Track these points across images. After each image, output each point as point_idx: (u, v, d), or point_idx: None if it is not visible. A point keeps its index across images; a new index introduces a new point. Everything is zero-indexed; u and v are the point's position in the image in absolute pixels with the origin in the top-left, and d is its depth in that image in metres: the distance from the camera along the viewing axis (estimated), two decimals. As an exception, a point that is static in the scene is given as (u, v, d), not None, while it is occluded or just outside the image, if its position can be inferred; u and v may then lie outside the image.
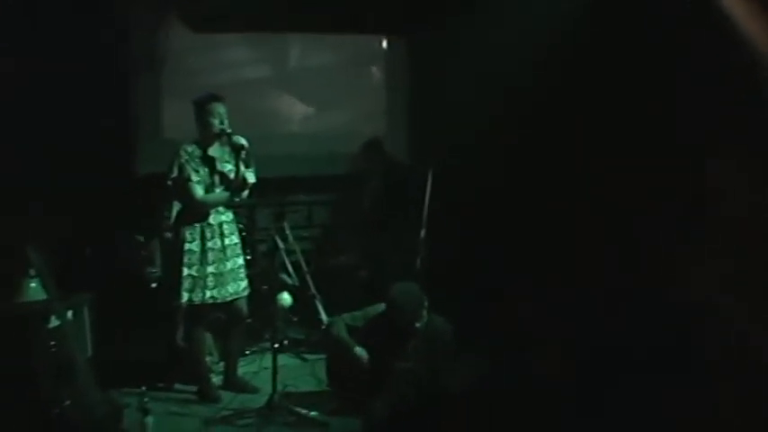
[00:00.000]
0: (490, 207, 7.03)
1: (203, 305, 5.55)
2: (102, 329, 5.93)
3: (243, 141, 5.46)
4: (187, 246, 5.48)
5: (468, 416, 4.86)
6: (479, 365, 5.40)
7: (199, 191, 5.46)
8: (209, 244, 5.52)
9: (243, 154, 5.50)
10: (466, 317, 5.74)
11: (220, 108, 5.50)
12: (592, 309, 5.51)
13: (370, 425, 5.10)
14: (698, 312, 4.72)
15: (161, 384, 5.86)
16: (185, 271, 5.47)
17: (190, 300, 5.50)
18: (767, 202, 4.48)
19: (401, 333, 5.43)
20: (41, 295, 5.21)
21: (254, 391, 5.79)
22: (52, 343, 5.10)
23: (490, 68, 6.99)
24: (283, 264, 6.20)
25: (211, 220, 5.54)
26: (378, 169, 7.54)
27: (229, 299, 5.61)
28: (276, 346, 5.60)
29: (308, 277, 6.65)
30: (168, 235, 5.87)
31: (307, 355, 6.63)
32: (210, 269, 5.52)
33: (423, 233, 6.51)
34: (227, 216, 5.65)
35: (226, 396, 5.73)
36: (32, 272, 5.27)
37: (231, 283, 5.61)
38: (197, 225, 5.51)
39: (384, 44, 8.47)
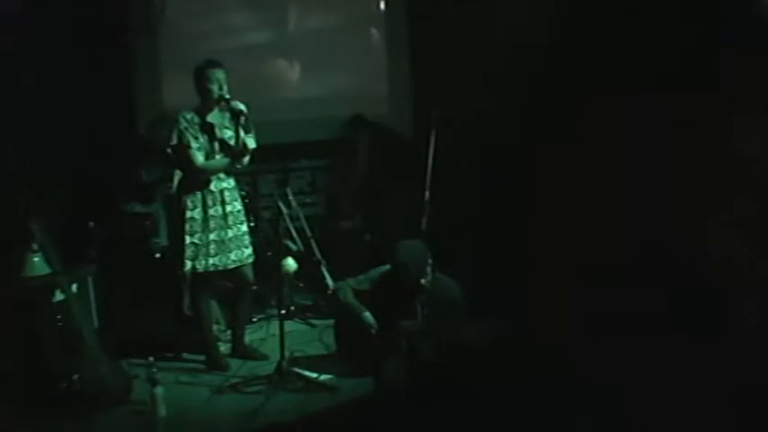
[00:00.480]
0: (495, 166, 6.98)
1: (207, 273, 5.52)
2: (108, 302, 5.91)
3: (242, 107, 5.40)
4: (189, 213, 5.45)
5: (480, 373, 4.85)
6: (489, 324, 5.39)
7: (199, 158, 5.42)
8: (211, 211, 5.48)
9: (242, 119, 5.44)
10: (472, 277, 5.72)
11: (219, 74, 5.44)
12: (601, 269, 5.48)
13: (384, 386, 5.10)
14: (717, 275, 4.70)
15: (169, 354, 5.85)
16: (188, 239, 5.45)
17: (193, 268, 5.48)
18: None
19: (407, 291, 5.40)
20: (45, 270, 5.20)
21: (263, 358, 5.79)
22: (58, 317, 5.11)
23: (493, 26, 6.92)
24: (287, 230, 6.16)
25: (212, 187, 5.50)
26: (364, 141, 7.53)
27: (232, 266, 5.58)
28: (283, 312, 5.60)
29: (313, 243, 6.62)
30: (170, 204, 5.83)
31: (314, 321, 6.62)
32: (212, 236, 5.48)
33: (427, 195, 6.45)
34: (229, 183, 5.61)
35: (234, 364, 5.72)
36: (36, 246, 5.25)
37: (234, 251, 5.58)
38: (198, 192, 5.48)
39: (382, 4, 8.36)
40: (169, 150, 5.46)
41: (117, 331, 5.74)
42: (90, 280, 5.82)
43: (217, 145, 5.51)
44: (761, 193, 4.54)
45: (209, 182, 5.49)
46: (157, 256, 6.15)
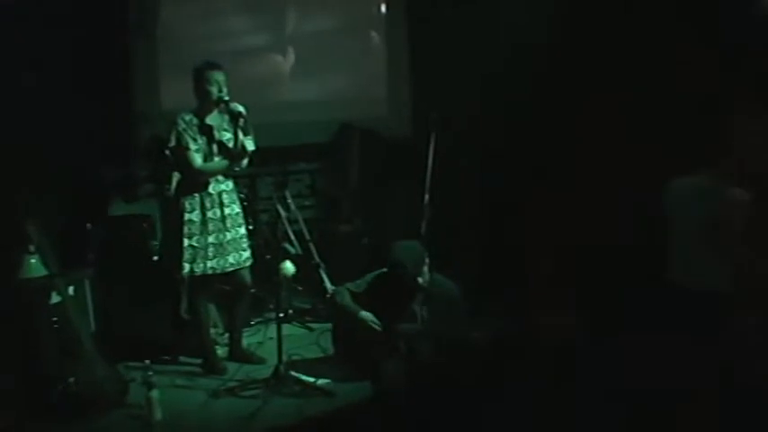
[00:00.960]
0: (494, 168, 6.98)
1: (205, 276, 5.49)
2: (105, 304, 5.89)
3: (240, 109, 5.38)
4: (187, 216, 5.43)
5: (479, 374, 4.84)
6: (487, 324, 5.37)
7: (197, 159, 5.39)
8: (209, 214, 5.46)
9: (241, 122, 5.42)
10: (471, 278, 5.70)
11: (219, 76, 5.41)
12: (601, 270, 5.48)
13: (382, 388, 5.08)
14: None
15: (166, 357, 5.82)
16: (186, 241, 5.42)
17: (191, 270, 5.45)
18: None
19: (405, 292, 5.39)
20: (42, 271, 5.17)
21: (260, 361, 5.76)
22: (54, 319, 5.08)
23: (492, 28, 6.92)
24: (286, 233, 6.14)
25: (211, 189, 5.48)
26: (355, 146, 7.55)
27: (230, 269, 5.56)
28: (281, 315, 5.57)
29: (312, 246, 6.60)
30: (168, 206, 5.81)
31: (312, 324, 6.60)
32: (211, 239, 5.46)
33: (426, 198, 6.43)
34: (227, 185, 5.58)
35: (231, 367, 5.69)
36: (32, 248, 5.22)
37: (233, 254, 5.55)
38: (196, 195, 5.45)
39: (382, 7, 8.35)
40: (167, 152, 5.44)
41: (114, 334, 5.71)
42: (87, 282, 5.81)
43: (215, 147, 5.48)
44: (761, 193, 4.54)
45: (207, 184, 5.47)
46: (155, 258, 6.13)
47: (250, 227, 6.11)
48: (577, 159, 6.16)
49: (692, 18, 5.72)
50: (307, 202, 7.68)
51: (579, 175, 6.10)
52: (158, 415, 4.86)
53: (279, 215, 5.79)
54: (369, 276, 5.63)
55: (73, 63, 6.61)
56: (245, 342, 5.98)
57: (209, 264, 5.46)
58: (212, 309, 5.98)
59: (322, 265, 6.56)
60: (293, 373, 5.37)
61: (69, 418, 4.85)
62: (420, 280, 5.35)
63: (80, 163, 6.53)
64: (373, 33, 8.43)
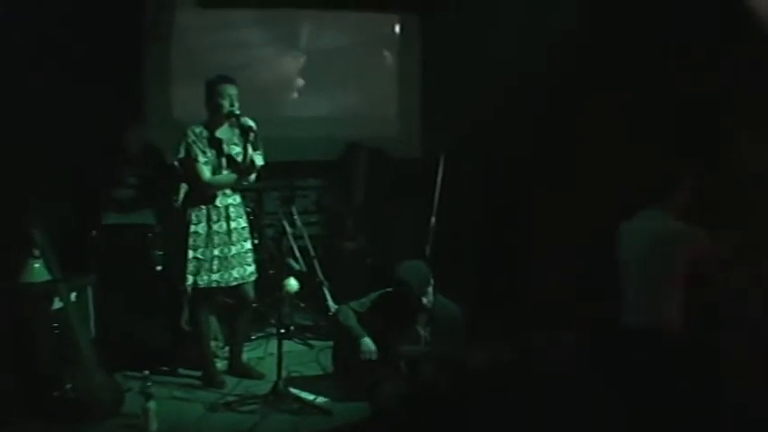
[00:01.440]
0: (503, 193, 6.97)
1: (208, 289, 5.48)
2: (106, 312, 5.87)
3: (251, 123, 5.38)
4: (193, 228, 5.42)
5: (479, 398, 4.82)
6: (490, 349, 5.35)
7: (206, 172, 5.39)
8: (215, 227, 5.45)
9: (251, 136, 5.42)
10: (475, 303, 5.68)
11: (231, 90, 5.42)
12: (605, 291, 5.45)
13: (380, 409, 5.05)
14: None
15: (165, 368, 5.80)
16: (191, 253, 5.41)
17: (194, 283, 5.44)
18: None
19: (408, 312, 5.38)
20: (45, 276, 5.16)
21: (259, 376, 5.74)
22: (55, 325, 5.08)
23: (505, 52, 6.92)
24: (291, 249, 6.14)
25: (218, 202, 5.47)
26: (363, 166, 7.55)
27: (234, 283, 5.55)
28: (282, 331, 5.55)
29: (316, 263, 6.59)
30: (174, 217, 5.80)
31: (313, 342, 6.56)
32: (216, 252, 5.45)
33: (432, 221, 6.43)
34: (234, 199, 5.58)
35: (230, 381, 5.66)
36: (36, 253, 5.22)
37: (237, 268, 5.54)
38: (203, 207, 5.45)
39: (397, 27, 8.37)
40: (176, 163, 5.43)
41: (113, 342, 5.68)
42: (89, 289, 5.79)
43: (224, 160, 5.49)
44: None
45: (214, 197, 5.46)
46: (158, 268, 6.12)
47: (255, 241, 6.09)
48: (587, 181, 6.15)
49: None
50: (312, 219, 7.68)
51: (588, 197, 6.07)
52: (154, 426, 4.82)
53: (284, 231, 5.79)
54: (373, 295, 5.60)
55: (85, 69, 6.61)
56: (245, 356, 5.96)
57: (213, 276, 5.45)
58: (213, 321, 5.97)
59: (326, 282, 6.55)
60: (292, 389, 5.34)
61: (65, 424, 4.83)
62: (424, 300, 5.32)
63: (86, 169, 6.51)
64: (386, 53, 8.45)
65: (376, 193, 7.79)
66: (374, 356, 5.36)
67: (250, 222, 5.82)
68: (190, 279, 5.43)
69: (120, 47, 6.97)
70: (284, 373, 5.39)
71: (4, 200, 5.65)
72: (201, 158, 5.38)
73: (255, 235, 6.27)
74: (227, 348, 6.01)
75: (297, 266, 6.13)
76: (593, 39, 6.19)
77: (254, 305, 5.89)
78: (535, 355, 5.30)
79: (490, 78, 7.09)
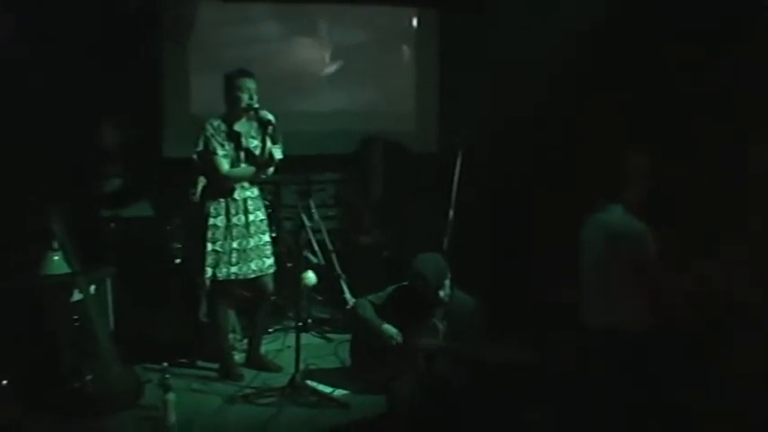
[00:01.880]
0: (520, 188, 6.96)
1: (227, 281, 5.50)
2: (125, 304, 5.90)
3: (270, 117, 5.39)
4: (211, 221, 5.43)
5: (495, 393, 4.82)
6: (508, 341, 5.34)
7: (224, 165, 5.41)
8: (234, 220, 5.47)
9: (270, 129, 5.43)
10: (494, 298, 5.67)
11: (250, 83, 5.43)
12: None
13: (397, 403, 5.05)
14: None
15: (183, 361, 5.83)
16: (209, 246, 5.43)
17: (213, 275, 5.46)
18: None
19: (426, 305, 5.37)
20: (64, 269, 5.19)
21: (277, 369, 5.75)
22: (75, 317, 5.10)
23: (523, 46, 6.91)
24: (309, 242, 6.14)
25: (236, 195, 5.49)
26: (379, 159, 7.55)
27: (252, 276, 5.56)
28: (300, 324, 5.55)
29: (334, 256, 6.59)
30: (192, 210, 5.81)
31: (330, 335, 6.58)
32: (234, 245, 5.47)
33: (451, 214, 6.41)
34: (253, 192, 5.60)
35: (248, 374, 5.67)
36: (56, 245, 5.25)
37: (255, 260, 5.56)
38: (222, 200, 5.46)
39: (414, 22, 8.36)
40: (194, 156, 5.45)
41: (132, 334, 5.71)
42: (108, 282, 5.82)
43: (242, 154, 5.50)
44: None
45: (233, 190, 5.48)
46: (177, 261, 6.14)
47: (273, 234, 6.10)
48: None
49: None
50: (330, 213, 7.68)
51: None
52: (173, 418, 4.82)
53: (303, 224, 5.79)
54: (389, 289, 5.60)
55: (102, 65, 6.64)
56: (263, 349, 5.98)
57: (231, 269, 5.46)
58: (232, 314, 5.98)
59: (343, 276, 6.56)
60: (310, 382, 5.36)
61: (83, 416, 4.86)
62: (441, 294, 5.32)
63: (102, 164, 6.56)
64: (404, 47, 8.44)
65: (393, 188, 7.78)
66: (399, 340, 5.35)
67: (268, 215, 5.83)
68: (209, 272, 5.44)
69: (138, 41, 7.00)
70: (302, 366, 5.39)
71: (22, 194, 5.69)
72: (220, 151, 5.39)
73: (273, 228, 6.28)
74: (245, 341, 6.03)
75: (315, 260, 6.13)
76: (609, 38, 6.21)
77: (272, 298, 5.90)
78: (550, 352, 5.29)
79: (507, 73, 7.07)
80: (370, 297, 5.59)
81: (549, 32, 6.71)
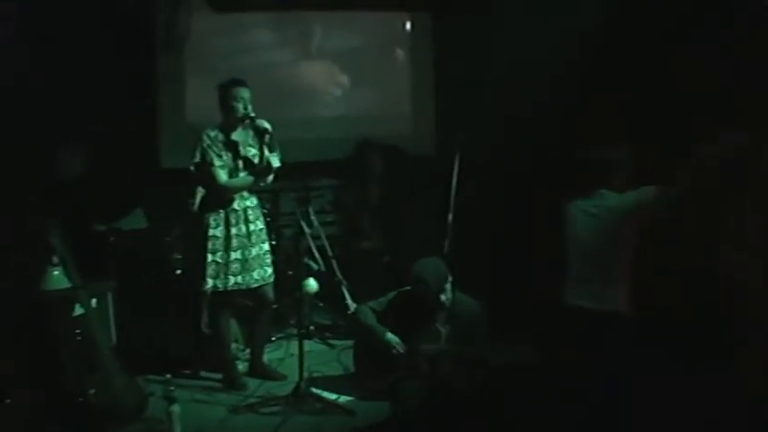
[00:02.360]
0: (519, 190, 6.95)
1: (228, 292, 5.49)
2: (127, 317, 5.89)
3: (266, 125, 5.39)
4: (211, 232, 5.43)
5: (501, 397, 4.81)
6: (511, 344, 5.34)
7: (222, 175, 5.40)
8: (234, 230, 5.46)
9: (267, 138, 5.44)
10: (495, 301, 5.66)
11: (244, 92, 5.44)
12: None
13: (402, 408, 5.04)
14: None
15: (186, 372, 5.82)
16: (209, 257, 5.43)
17: (214, 286, 5.45)
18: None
19: (427, 309, 5.35)
20: (65, 283, 5.17)
21: (281, 378, 5.75)
22: (77, 331, 5.09)
23: (518, 47, 6.90)
24: (309, 249, 6.13)
25: (236, 205, 5.49)
26: (376, 163, 7.56)
27: (254, 285, 5.56)
28: (302, 331, 5.55)
29: (334, 262, 6.59)
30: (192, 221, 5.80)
31: (333, 341, 6.57)
32: (235, 255, 5.46)
33: (450, 218, 6.41)
34: (252, 201, 5.60)
35: (252, 383, 5.68)
36: (55, 260, 5.23)
37: (257, 269, 5.55)
38: (221, 211, 5.46)
39: (408, 25, 8.36)
40: (192, 168, 5.44)
41: (135, 347, 5.71)
42: (109, 295, 5.81)
43: (240, 163, 5.50)
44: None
45: (232, 200, 5.48)
46: (177, 272, 6.13)
47: (273, 242, 6.10)
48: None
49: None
50: (329, 219, 7.67)
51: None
52: (178, 429, 4.82)
53: (302, 231, 5.78)
54: (390, 294, 5.59)
55: (98, 74, 6.64)
56: (266, 358, 5.97)
57: (232, 280, 5.46)
58: (233, 324, 5.97)
59: (344, 282, 6.55)
60: (314, 389, 5.36)
61: (89, 430, 4.84)
62: (443, 297, 5.30)
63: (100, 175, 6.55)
64: (399, 51, 8.43)
65: (391, 192, 7.77)
66: (402, 349, 5.35)
67: (267, 224, 5.83)
68: (209, 282, 5.44)
69: (133, 51, 7.00)
70: (306, 374, 5.39)
71: (20, 208, 5.69)
72: (217, 162, 5.39)
73: (272, 236, 6.27)
74: (247, 350, 6.02)
75: (315, 266, 6.14)
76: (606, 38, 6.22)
77: (273, 306, 5.89)
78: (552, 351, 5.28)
79: (504, 74, 7.07)
80: (371, 303, 5.58)
81: (546, 33, 6.70)
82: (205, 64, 7.43)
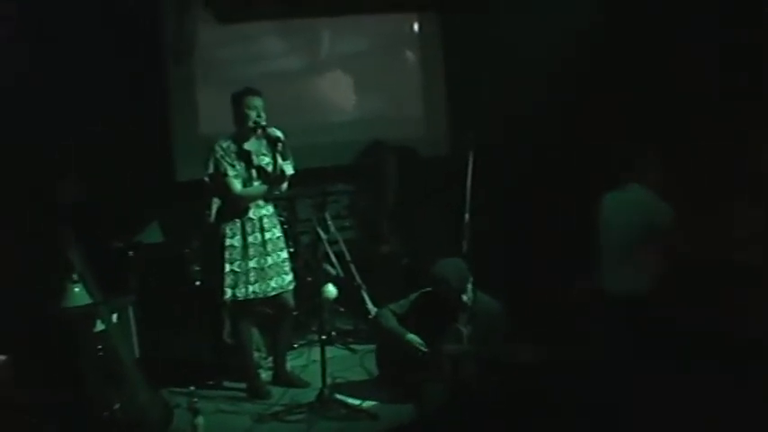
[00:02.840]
0: (532, 187, 6.94)
1: (248, 300, 5.50)
2: (149, 330, 5.91)
3: (279, 134, 5.40)
4: (228, 241, 5.44)
5: (523, 398, 4.77)
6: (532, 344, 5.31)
7: (236, 185, 5.41)
8: (250, 239, 5.47)
9: (279, 146, 5.44)
10: (517, 298, 5.65)
11: (257, 101, 5.44)
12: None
13: (426, 410, 5.03)
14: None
15: (210, 383, 5.82)
16: (227, 267, 5.43)
17: (233, 296, 5.46)
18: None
19: (449, 310, 5.34)
20: (86, 300, 5.18)
21: (304, 385, 5.73)
22: (99, 347, 5.09)
23: (527, 46, 6.89)
24: (327, 255, 6.13)
25: (251, 214, 5.49)
26: (390, 165, 7.56)
27: (273, 293, 5.55)
28: (324, 338, 5.54)
29: (353, 267, 6.58)
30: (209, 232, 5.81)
31: (355, 346, 6.56)
32: (252, 264, 5.46)
33: (466, 217, 6.39)
34: (268, 210, 5.60)
35: (275, 392, 5.67)
36: (76, 276, 5.24)
37: (275, 278, 5.55)
38: (237, 220, 5.47)
39: (416, 27, 8.35)
40: (206, 179, 5.45)
41: (158, 360, 5.71)
42: (130, 309, 5.82)
43: (254, 172, 5.50)
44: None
45: (247, 209, 5.48)
46: (197, 283, 6.14)
47: (291, 249, 6.09)
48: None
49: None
50: (346, 223, 7.67)
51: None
52: (204, 442, 4.85)
53: (319, 237, 5.78)
54: (411, 296, 5.58)
55: (109, 88, 6.68)
56: (289, 365, 5.97)
57: (251, 288, 5.46)
58: (255, 332, 5.97)
59: (364, 286, 6.54)
60: (338, 395, 5.35)
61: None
62: (464, 298, 5.29)
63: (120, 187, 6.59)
64: (408, 53, 8.43)
65: (407, 194, 7.77)
66: (423, 349, 5.33)
67: (284, 231, 5.83)
68: (228, 292, 5.44)
69: (143, 63, 7.04)
70: (329, 380, 5.40)
71: (41, 226, 5.71)
72: (231, 172, 5.39)
73: (290, 243, 6.27)
74: (270, 359, 6.02)
75: (334, 272, 6.14)
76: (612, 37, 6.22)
77: (294, 313, 5.89)
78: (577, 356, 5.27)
79: (515, 71, 7.06)
80: (392, 306, 5.57)
81: (550, 31, 6.70)
82: (216, 75, 7.47)
